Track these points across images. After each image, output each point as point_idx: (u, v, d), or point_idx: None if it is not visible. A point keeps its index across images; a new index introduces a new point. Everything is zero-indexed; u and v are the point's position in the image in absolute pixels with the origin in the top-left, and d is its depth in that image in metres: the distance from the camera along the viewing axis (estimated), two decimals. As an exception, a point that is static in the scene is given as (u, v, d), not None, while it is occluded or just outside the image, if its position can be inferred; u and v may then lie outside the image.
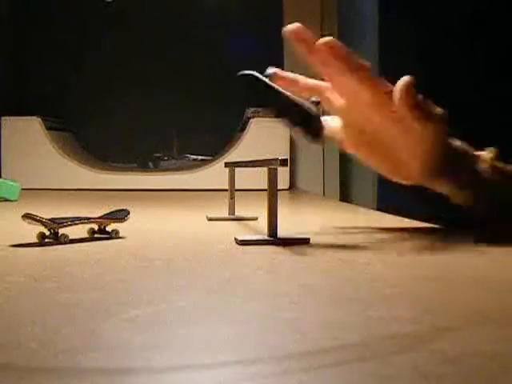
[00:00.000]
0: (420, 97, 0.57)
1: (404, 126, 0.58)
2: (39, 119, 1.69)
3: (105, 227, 0.58)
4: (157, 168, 1.95)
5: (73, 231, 0.55)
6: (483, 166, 0.62)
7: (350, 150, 0.64)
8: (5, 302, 0.33)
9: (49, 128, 1.71)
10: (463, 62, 1.16)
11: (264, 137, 1.70)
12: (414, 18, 1.26)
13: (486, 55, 1.15)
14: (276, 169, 0.54)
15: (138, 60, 2.00)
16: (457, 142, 0.62)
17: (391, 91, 0.57)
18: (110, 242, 0.56)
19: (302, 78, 0.62)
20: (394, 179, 0.64)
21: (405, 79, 0.56)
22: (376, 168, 0.64)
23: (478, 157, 0.62)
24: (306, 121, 0.52)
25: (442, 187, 0.63)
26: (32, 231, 0.54)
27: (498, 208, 0.63)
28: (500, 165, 0.63)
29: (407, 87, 0.56)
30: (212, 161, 1.74)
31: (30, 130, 1.69)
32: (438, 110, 0.59)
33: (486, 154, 0.63)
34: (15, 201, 1.12)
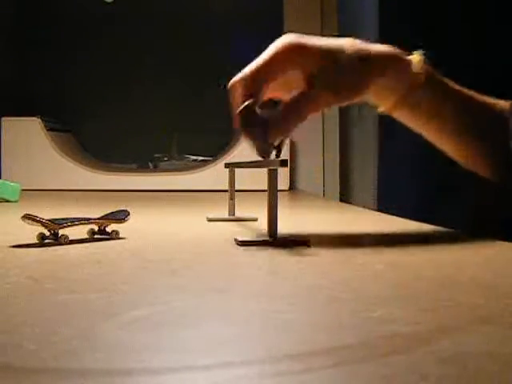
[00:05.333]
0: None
1: None
2: (39, 120, 1.69)
3: (105, 228, 0.58)
4: (157, 169, 1.95)
5: (73, 232, 0.55)
6: (416, 65, 0.63)
7: None
8: (4, 302, 0.33)
9: (49, 129, 1.71)
10: (462, 64, 1.16)
11: (264, 137, 1.69)
12: (414, 17, 1.26)
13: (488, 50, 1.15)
14: (276, 169, 0.54)
15: (138, 61, 2.00)
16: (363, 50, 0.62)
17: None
18: (110, 242, 0.56)
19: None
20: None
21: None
22: None
23: (408, 62, 0.64)
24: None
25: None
26: (32, 232, 0.54)
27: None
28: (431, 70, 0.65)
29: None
30: (212, 161, 1.74)
31: (30, 131, 1.69)
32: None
33: (416, 57, 0.64)
34: (15, 201, 1.12)
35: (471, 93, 0.67)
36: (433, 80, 0.64)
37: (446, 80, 0.66)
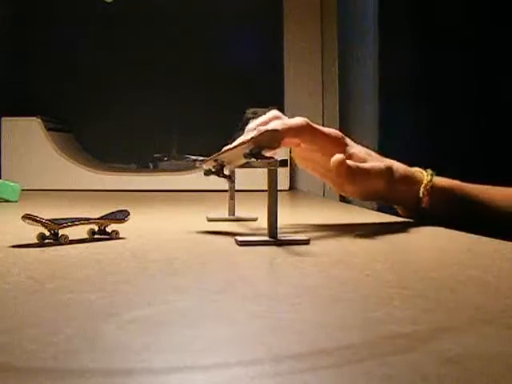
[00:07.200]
0: (355, 167, 0.67)
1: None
2: (39, 120, 1.69)
3: (105, 228, 0.58)
4: (157, 169, 1.95)
5: (73, 232, 0.55)
6: (422, 190, 0.71)
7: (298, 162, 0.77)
8: (4, 302, 0.33)
9: (49, 129, 1.71)
10: (461, 65, 1.16)
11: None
12: (415, 17, 1.26)
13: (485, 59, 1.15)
14: (276, 169, 0.54)
15: (137, 61, 2.00)
16: (397, 172, 0.71)
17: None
18: (110, 242, 0.56)
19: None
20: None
21: (336, 159, 0.65)
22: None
23: (417, 181, 0.72)
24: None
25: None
26: (32, 232, 0.54)
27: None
28: (439, 183, 0.72)
29: (337, 168, 0.66)
30: (212, 161, 1.74)
31: (30, 131, 1.68)
32: (377, 167, 0.70)
33: (425, 177, 0.73)
34: (15, 201, 1.11)
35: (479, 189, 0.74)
36: (438, 197, 0.72)
37: (457, 186, 0.73)
